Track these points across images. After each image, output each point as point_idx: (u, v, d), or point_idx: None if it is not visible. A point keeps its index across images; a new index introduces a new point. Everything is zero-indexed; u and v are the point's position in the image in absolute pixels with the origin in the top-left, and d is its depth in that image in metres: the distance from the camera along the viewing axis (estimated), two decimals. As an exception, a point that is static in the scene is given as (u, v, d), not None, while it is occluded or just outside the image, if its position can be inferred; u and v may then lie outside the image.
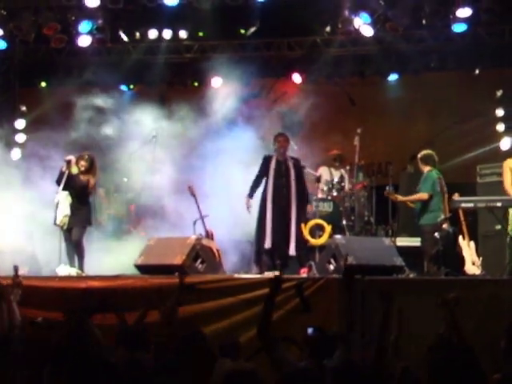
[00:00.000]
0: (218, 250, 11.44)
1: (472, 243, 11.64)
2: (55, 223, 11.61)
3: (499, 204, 11.33)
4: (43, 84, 15.52)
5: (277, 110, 15.13)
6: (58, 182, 11.50)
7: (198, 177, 13.23)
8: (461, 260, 11.49)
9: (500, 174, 11.83)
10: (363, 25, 13.67)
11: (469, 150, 13.97)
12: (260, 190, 11.83)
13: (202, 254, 10.74)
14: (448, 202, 11.66)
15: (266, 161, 11.85)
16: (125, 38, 14.62)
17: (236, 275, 10.83)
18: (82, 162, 11.66)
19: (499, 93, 14.16)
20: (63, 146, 13.14)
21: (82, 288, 9.91)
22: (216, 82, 15.00)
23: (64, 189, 11.49)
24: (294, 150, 12.85)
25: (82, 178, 11.62)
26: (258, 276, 10.73)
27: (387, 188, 12.24)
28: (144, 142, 13.86)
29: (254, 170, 11.94)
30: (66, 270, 11.29)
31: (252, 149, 13.14)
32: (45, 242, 12.11)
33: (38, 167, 12.88)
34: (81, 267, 11.40)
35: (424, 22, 13.59)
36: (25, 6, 13.92)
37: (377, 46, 14.47)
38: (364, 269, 9.74)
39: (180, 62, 15.36)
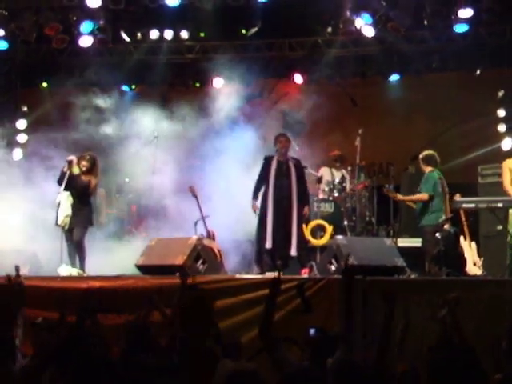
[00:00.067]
0: (219, 251, 11.45)
1: (473, 244, 11.63)
2: (56, 223, 11.61)
3: (500, 204, 11.32)
4: (45, 84, 15.52)
5: (278, 110, 15.14)
6: (60, 183, 11.50)
7: (200, 177, 13.24)
8: (462, 260, 11.48)
9: (501, 175, 11.83)
10: (365, 25, 13.67)
11: (470, 150, 13.98)
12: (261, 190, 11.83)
13: (204, 254, 10.74)
14: (449, 202, 11.65)
15: (267, 161, 11.84)
16: (126, 39, 14.63)
17: (237, 275, 10.83)
18: (84, 163, 11.66)
19: (501, 93, 14.16)
20: (65, 146, 13.16)
21: (83, 288, 9.91)
22: (217, 82, 15.00)
23: (65, 189, 11.49)
24: (295, 150, 12.85)
25: (84, 178, 11.62)
26: (259, 276, 10.73)
27: (386, 186, 12.25)
28: (145, 143, 13.87)
29: (256, 171, 11.94)
30: (67, 270, 11.29)
31: (253, 149, 13.15)
32: (46, 242, 12.10)
33: (40, 167, 12.90)
34: (82, 267, 11.40)
35: (425, 22, 13.59)
36: (26, 7, 13.93)
37: (378, 46, 14.47)
38: (365, 269, 9.74)
39: (181, 63, 15.37)
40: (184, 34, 14.62)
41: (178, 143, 13.76)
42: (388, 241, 11.27)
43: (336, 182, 13.02)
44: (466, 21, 13.39)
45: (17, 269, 7.79)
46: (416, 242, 12.20)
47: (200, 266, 10.61)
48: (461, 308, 6.03)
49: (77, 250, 11.53)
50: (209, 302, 5.10)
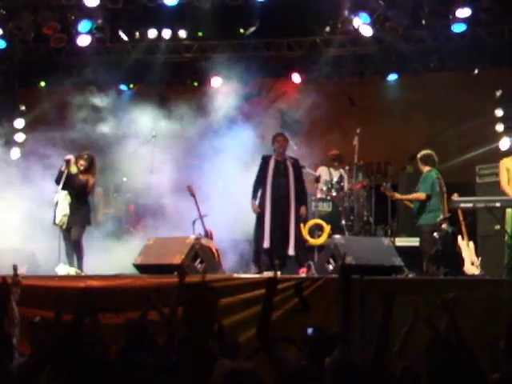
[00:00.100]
0: (217, 250, 11.45)
1: (471, 243, 11.64)
2: (54, 223, 11.61)
3: (498, 204, 11.32)
4: (43, 83, 15.51)
5: (276, 109, 15.14)
6: (58, 182, 11.50)
7: (198, 176, 13.24)
8: (460, 260, 11.49)
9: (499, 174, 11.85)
10: (363, 25, 13.67)
11: (468, 150, 13.99)
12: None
13: (201, 253, 10.74)
14: (447, 202, 11.66)
15: (265, 161, 11.84)
16: (124, 38, 14.62)
17: (235, 275, 10.83)
18: (82, 162, 11.66)
19: (498, 93, 14.16)
20: (62, 145, 13.15)
21: (81, 287, 9.90)
22: (216, 81, 15.00)
23: (63, 188, 11.49)
24: (293, 149, 12.85)
25: (82, 177, 11.62)
26: (257, 276, 10.73)
27: (384, 184, 12.26)
28: (143, 142, 13.86)
29: (254, 170, 11.94)
30: (65, 269, 11.29)
31: (251, 149, 13.15)
32: (44, 241, 12.10)
33: (38, 166, 12.90)
34: (80, 266, 11.40)
35: (423, 22, 13.59)
36: (24, 6, 13.91)
37: (376, 45, 14.47)
38: (363, 269, 9.74)
39: (180, 62, 15.36)
40: (182, 33, 14.61)
41: (176, 142, 13.75)
42: (386, 240, 11.28)
43: (334, 182, 13.02)
44: (464, 20, 13.39)
45: (15, 268, 7.78)
46: (414, 242, 12.19)
47: (198, 265, 10.61)
48: (459, 308, 6.03)
49: (75, 249, 11.53)
50: (213, 300, 5.10)
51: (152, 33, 14.50)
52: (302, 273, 11.10)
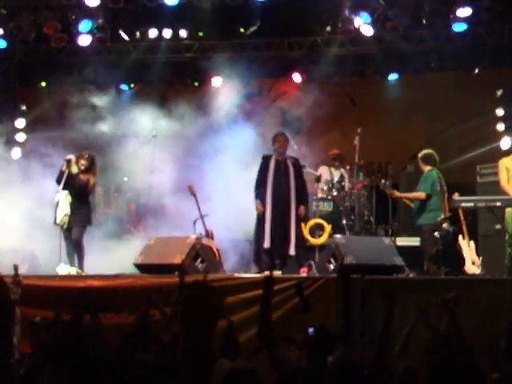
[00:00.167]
0: (218, 250, 11.45)
1: (472, 243, 11.64)
2: (55, 222, 11.62)
3: (499, 204, 11.33)
4: (43, 83, 15.50)
5: (277, 109, 15.14)
6: (58, 181, 11.51)
7: (198, 176, 13.24)
8: (461, 259, 11.49)
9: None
10: (363, 24, 13.66)
11: (469, 149, 13.98)
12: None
13: (202, 253, 10.75)
14: (448, 201, 11.66)
15: (266, 161, 11.85)
16: (125, 38, 14.61)
17: (236, 274, 10.83)
18: (82, 161, 11.67)
19: (499, 92, 14.16)
20: (63, 145, 13.15)
21: (82, 287, 9.91)
22: (216, 81, 15.00)
23: (64, 188, 11.50)
24: (293, 149, 12.86)
25: (82, 177, 11.63)
26: (258, 275, 10.72)
27: (383, 181, 12.26)
28: (144, 142, 13.86)
29: (254, 170, 11.94)
30: (65, 269, 11.30)
31: (252, 148, 13.15)
32: (44, 241, 12.11)
33: (38, 166, 12.90)
34: (81, 266, 11.41)
35: (424, 21, 13.59)
36: (25, 5, 13.91)
37: (377, 45, 14.46)
38: (364, 268, 9.75)
39: (180, 62, 15.36)
40: (183, 33, 14.61)
41: (177, 142, 13.75)
42: (387, 240, 11.29)
43: (335, 181, 13.02)
44: (464, 20, 13.38)
45: (15, 268, 7.79)
46: (415, 241, 12.20)
47: (199, 264, 10.62)
48: (459, 307, 6.02)
49: (75, 248, 11.53)
50: (214, 299, 5.08)
51: (152, 32, 14.50)
52: (302, 272, 11.11)
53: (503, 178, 11.59)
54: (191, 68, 15.39)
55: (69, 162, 11.52)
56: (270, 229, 11.50)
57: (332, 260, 10.48)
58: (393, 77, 15.07)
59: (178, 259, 10.43)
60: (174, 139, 13.72)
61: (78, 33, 14.18)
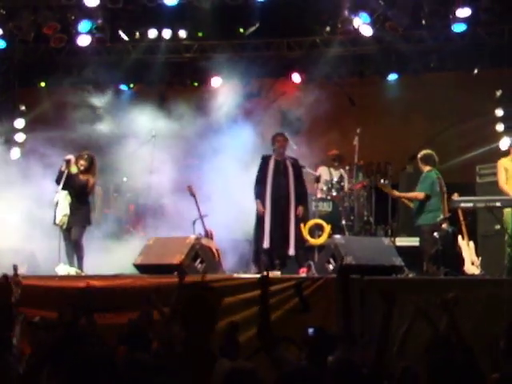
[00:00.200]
0: (217, 250, 11.44)
1: (471, 243, 11.64)
2: (54, 223, 11.61)
3: (498, 204, 11.33)
4: (43, 83, 15.50)
5: (276, 109, 15.14)
6: (58, 182, 11.51)
7: (198, 176, 13.24)
8: (460, 260, 11.49)
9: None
10: (363, 25, 13.67)
11: (468, 150, 13.98)
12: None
13: (202, 253, 10.74)
14: (447, 201, 11.66)
15: (265, 161, 11.85)
16: (124, 38, 14.61)
17: (235, 275, 10.82)
18: (82, 162, 11.66)
19: (499, 93, 14.16)
20: (62, 145, 13.14)
21: (81, 287, 9.90)
22: (215, 81, 15.01)
23: (63, 188, 11.49)
24: (293, 149, 12.85)
25: (82, 177, 11.63)
26: (257, 276, 10.70)
27: (381, 180, 12.26)
28: (143, 142, 13.85)
29: (254, 170, 11.94)
30: (65, 269, 11.29)
31: (251, 149, 13.14)
32: (44, 241, 12.10)
33: (38, 166, 12.90)
34: (80, 266, 11.40)
35: (423, 21, 13.59)
36: (24, 6, 13.91)
37: (376, 45, 14.47)
38: (363, 269, 9.74)
39: (180, 62, 15.36)
40: (182, 33, 14.61)
41: (176, 142, 13.74)
42: (386, 240, 11.28)
43: (334, 182, 13.02)
44: (464, 20, 13.39)
45: (15, 268, 7.79)
46: (414, 242, 12.19)
47: (198, 265, 10.61)
48: (459, 307, 6.03)
49: (75, 249, 11.53)
50: (214, 299, 5.09)
51: (152, 33, 14.49)
52: (302, 273, 11.10)
53: (502, 178, 11.61)
54: (191, 68, 15.39)
55: (68, 162, 11.51)
56: (270, 229, 11.50)
57: (331, 260, 10.48)
58: (392, 77, 15.07)
59: (177, 259, 10.42)
60: (173, 139, 13.72)
61: (78, 33, 14.18)
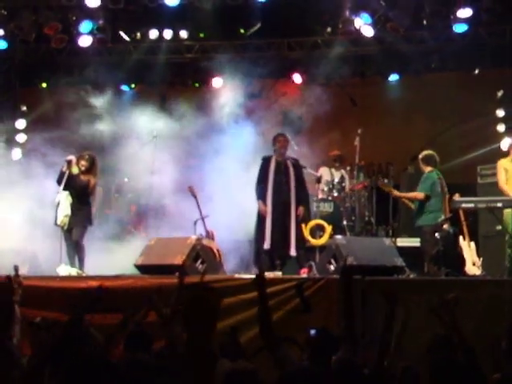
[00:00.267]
0: (218, 250, 11.44)
1: (472, 244, 11.63)
2: (56, 223, 11.61)
3: (500, 204, 11.33)
4: (44, 84, 15.51)
5: (277, 110, 15.13)
6: (59, 182, 11.51)
7: (199, 177, 13.24)
8: (461, 260, 11.48)
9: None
10: (364, 25, 13.68)
11: (469, 150, 13.98)
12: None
13: (203, 254, 10.73)
14: (448, 202, 11.65)
15: (266, 161, 11.85)
16: (126, 38, 14.63)
17: (236, 275, 10.82)
18: (83, 162, 11.66)
19: (500, 93, 14.16)
20: (64, 145, 13.14)
21: (83, 288, 9.90)
22: (217, 82, 15.01)
23: (65, 189, 11.49)
24: (294, 150, 12.86)
25: (83, 177, 11.62)
26: (258, 276, 10.71)
27: (381, 179, 12.25)
28: (144, 143, 13.85)
29: (255, 170, 11.94)
30: (66, 269, 11.29)
31: (253, 149, 13.15)
32: (45, 241, 12.10)
33: (39, 167, 12.89)
34: (81, 267, 11.40)
35: (425, 22, 13.61)
36: (25, 6, 13.92)
37: (377, 46, 14.47)
38: (364, 269, 9.73)
39: (181, 62, 15.37)
40: (183, 34, 14.62)
41: (177, 143, 13.74)
42: (387, 241, 11.27)
43: (335, 182, 13.02)
44: (465, 21, 13.39)
45: (16, 268, 7.78)
46: (415, 242, 12.19)
47: (199, 265, 10.60)
48: (460, 308, 6.01)
49: (76, 249, 11.53)
50: (214, 300, 5.09)
51: (153, 33, 14.51)
52: (303, 273, 11.10)
53: (502, 178, 11.61)
54: (192, 69, 15.40)
55: (69, 162, 11.51)
56: (271, 229, 11.50)
57: (332, 261, 10.47)
58: (393, 77, 15.08)
59: (178, 260, 10.41)
60: (174, 140, 13.71)
61: (79, 33, 14.20)
